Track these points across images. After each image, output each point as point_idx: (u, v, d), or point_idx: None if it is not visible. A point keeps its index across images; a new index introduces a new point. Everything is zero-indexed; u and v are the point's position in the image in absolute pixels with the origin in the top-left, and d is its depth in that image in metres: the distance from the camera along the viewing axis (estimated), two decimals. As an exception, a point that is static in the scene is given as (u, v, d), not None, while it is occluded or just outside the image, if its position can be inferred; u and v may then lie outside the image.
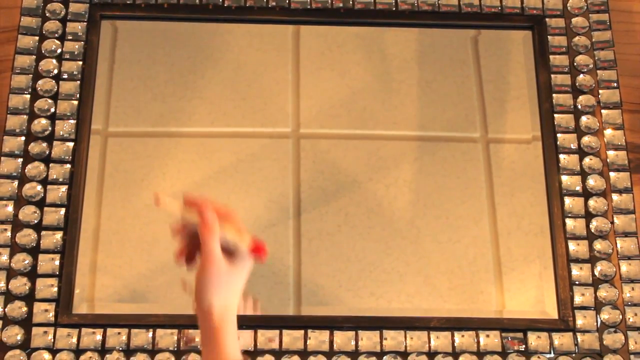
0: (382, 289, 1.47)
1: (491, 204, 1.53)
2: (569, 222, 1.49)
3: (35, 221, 1.45)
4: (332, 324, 1.42)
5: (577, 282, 1.46)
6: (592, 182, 1.52)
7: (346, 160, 1.55)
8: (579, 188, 1.52)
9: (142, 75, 1.58)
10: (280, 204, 1.52)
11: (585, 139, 1.55)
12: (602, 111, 1.57)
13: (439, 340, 1.41)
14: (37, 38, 1.57)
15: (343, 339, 1.41)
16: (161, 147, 1.53)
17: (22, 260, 1.42)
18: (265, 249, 1.11)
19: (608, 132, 1.55)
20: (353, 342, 1.41)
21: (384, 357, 1.40)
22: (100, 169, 1.51)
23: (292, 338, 1.40)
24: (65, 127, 1.51)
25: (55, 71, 1.55)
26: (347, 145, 1.57)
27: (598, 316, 1.44)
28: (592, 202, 1.50)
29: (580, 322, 1.43)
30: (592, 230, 1.49)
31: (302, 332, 1.41)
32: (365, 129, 1.58)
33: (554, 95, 1.58)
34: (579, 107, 1.57)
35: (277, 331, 1.41)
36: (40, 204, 1.47)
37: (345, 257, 1.49)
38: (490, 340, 1.41)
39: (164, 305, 1.43)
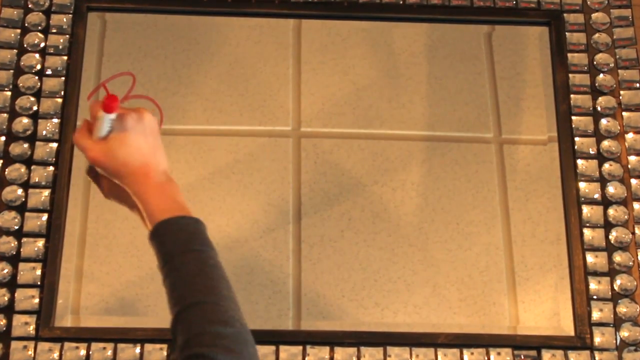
0: (387, 299, 1.45)
1: (504, 209, 1.51)
2: (587, 233, 1.47)
3: (16, 227, 1.43)
4: (332, 339, 1.40)
5: (595, 297, 1.43)
6: (612, 189, 1.49)
7: (350, 161, 1.53)
8: (597, 196, 1.49)
9: (133, 70, 1.55)
10: (280, 207, 1.49)
11: (605, 143, 1.52)
12: (623, 113, 1.55)
13: (447, 357, 1.39)
14: (19, 31, 1.55)
15: (344, 356, 1.38)
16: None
17: (1, 270, 1.40)
18: (110, 96, 1.12)
19: (629, 136, 1.53)
20: (355, 359, 1.37)
21: (388, 376, 1.38)
22: (87, 168, 1.49)
23: (289, 354, 1.38)
24: (49, 126, 1.49)
25: (38, 66, 1.53)
26: (351, 145, 1.54)
27: (617, 333, 1.41)
28: (611, 211, 1.48)
29: (598, 339, 1.41)
30: (612, 241, 1.46)
31: (300, 348, 1.39)
32: (371, 128, 1.55)
33: (572, 96, 1.56)
34: (599, 109, 1.55)
35: (274, 347, 1.38)
36: (21, 209, 1.44)
37: (348, 265, 1.46)
38: (501, 358, 1.39)
39: (154, 316, 1.41)
